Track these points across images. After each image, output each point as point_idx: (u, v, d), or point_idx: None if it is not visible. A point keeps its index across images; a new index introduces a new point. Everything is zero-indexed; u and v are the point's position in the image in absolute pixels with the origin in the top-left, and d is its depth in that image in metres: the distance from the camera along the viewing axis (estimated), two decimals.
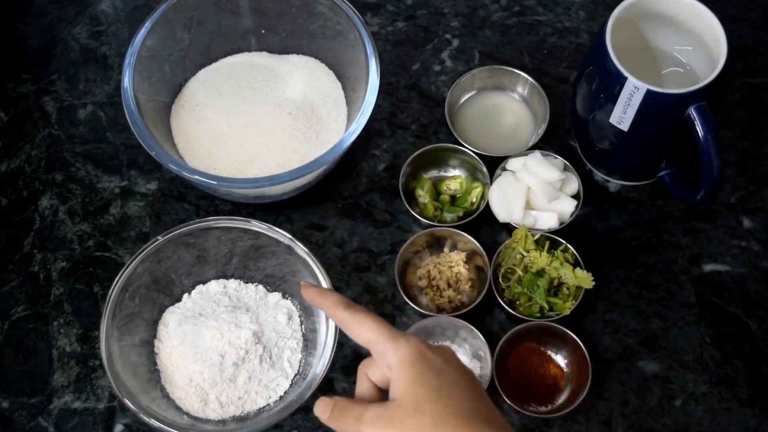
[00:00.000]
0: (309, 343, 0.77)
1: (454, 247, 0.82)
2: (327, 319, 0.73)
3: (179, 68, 0.87)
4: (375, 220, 0.85)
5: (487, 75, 0.89)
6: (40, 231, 0.85)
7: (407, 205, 0.82)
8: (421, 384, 0.55)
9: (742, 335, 0.80)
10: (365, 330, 0.58)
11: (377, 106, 0.79)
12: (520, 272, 0.78)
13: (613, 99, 0.74)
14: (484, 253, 0.79)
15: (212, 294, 0.79)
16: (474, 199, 0.83)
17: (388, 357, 0.56)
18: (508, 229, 0.82)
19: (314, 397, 0.75)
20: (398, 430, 0.54)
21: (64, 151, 0.89)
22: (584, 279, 0.77)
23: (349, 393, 0.77)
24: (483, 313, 0.80)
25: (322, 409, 0.59)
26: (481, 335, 0.76)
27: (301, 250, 0.75)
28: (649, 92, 0.71)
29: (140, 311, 0.76)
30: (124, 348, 0.73)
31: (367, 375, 0.59)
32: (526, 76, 0.88)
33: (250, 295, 0.79)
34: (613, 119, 0.75)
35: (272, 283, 0.80)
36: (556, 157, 0.83)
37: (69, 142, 0.90)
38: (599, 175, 0.87)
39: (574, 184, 0.82)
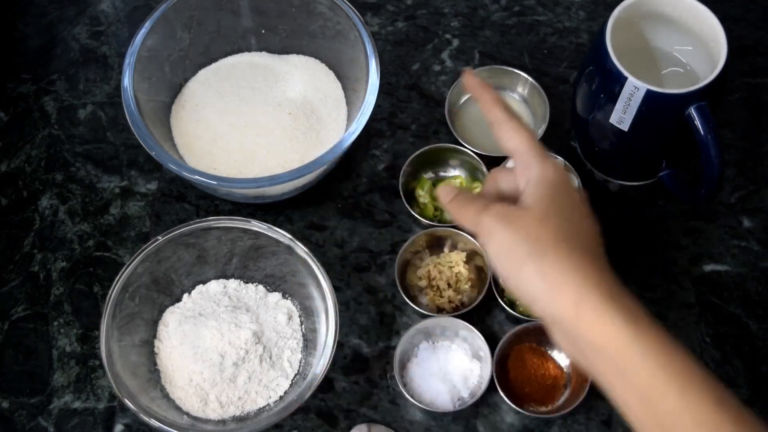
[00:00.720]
0: (309, 343, 0.77)
1: (454, 247, 0.82)
2: (327, 318, 0.73)
3: (179, 68, 0.87)
4: (375, 220, 0.85)
5: (487, 75, 0.89)
6: (40, 231, 0.85)
7: (407, 205, 0.82)
8: (556, 203, 0.54)
9: (742, 335, 0.80)
10: (519, 137, 0.57)
11: (377, 106, 0.79)
12: None
13: (613, 99, 0.74)
14: (484, 253, 0.79)
15: (212, 294, 0.79)
16: None
17: (531, 170, 0.56)
18: None
19: (314, 397, 0.75)
20: (518, 230, 0.53)
21: (64, 151, 0.89)
22: None
23: (348, 393, 0.77)
24: (483, 313, 0.80)
25: (446, 193, 0.59)
26: (481, 335, 0.76)
27: (301, 250, 0.75)
28: (649, 92, 0.71)
29: (140, 311, 0.76)
30: (124, 348, 0.73)
31: (497, 179, 0.59)
32: (525, 76, 0.88)
33: (250, 295, 0.79)
34: (613, 119, 0.75)
35: (272, 283, 0.80)
36: (556, 157, 0.83)
37: (69, 142, 0.90)
38: (599, 175, 0.87)
39: (574, 184, 0.82)
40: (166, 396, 0.74)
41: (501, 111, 0.58)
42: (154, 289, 0.77)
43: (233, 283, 0.80)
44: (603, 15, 0.95)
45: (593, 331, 0.51)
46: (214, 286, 0.80)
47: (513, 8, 0.97)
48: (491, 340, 0.76)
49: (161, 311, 0.78)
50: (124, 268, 0.74)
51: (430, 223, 0.81)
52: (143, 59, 0.81)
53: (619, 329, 0.50)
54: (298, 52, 0.91)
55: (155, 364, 0.76)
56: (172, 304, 0.79)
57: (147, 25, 0.82)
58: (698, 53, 0.77)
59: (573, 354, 0.54)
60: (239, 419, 0.74)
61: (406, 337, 0.76)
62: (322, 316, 0.74)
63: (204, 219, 0.76)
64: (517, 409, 0.73)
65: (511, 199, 0.58)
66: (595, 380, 0.53)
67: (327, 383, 0.77)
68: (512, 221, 0.54)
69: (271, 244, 0.77)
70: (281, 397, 0.75)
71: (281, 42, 0.90)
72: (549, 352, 0.78)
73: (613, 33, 0.74)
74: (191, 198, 0.86)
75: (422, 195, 0.84)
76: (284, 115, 0.85)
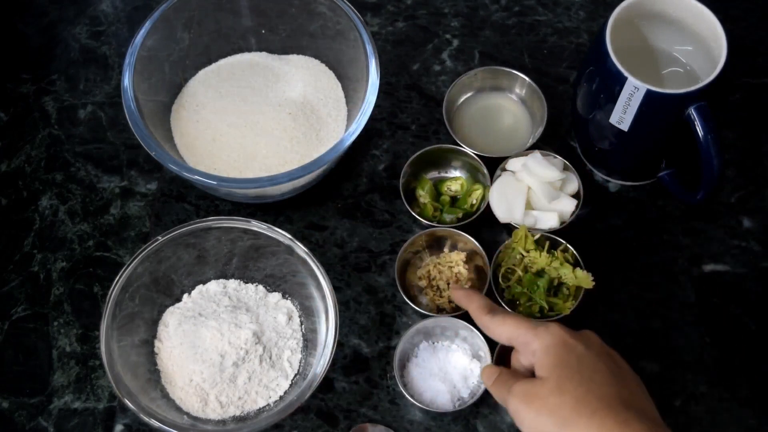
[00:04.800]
0: (309, 343, 0.77)
1: (454, 247, 0.82)
2: (327, 318, 0.73)
3: (179, 68, 0.88)
4: (375, 220, 0.85)
5: (487, 75, 0.89)
6: (40, 231, 0.85)
7: (407, 206, 0.82)
8: (564, 367, 0.60)
9: (742, 335, 0.80)
10: (506, 329, 0.65)
11: (377, 106, 0.79)
12: (520, 272, 0.78)
13: (613, 99, 0.74)
14: (484, 253, 0.79)
15: (212, 294, 0.79)
16: (474, 201, 0.83)
17: (531, 345, 0.62)
18: (508, 229, 0.82)
19: (314, 397, 0.75)
20: (540, 409, 0.59)
21: (64, 151, 0.89)
22: (584, 279, 0.77)
23: (348, 393, 0.77)
24: None
25: (488, 376, 0.67)
26: (481, 335, 0.76)
27: (301, 250, 0.75)
28: (649, 92, 0.72)
29: (140, 311, 0.76)
30: (124, 348, 0.73)
31: (518, 358, 0.65)
32: (524, 77, 0.88)
33: (250, 295, 0.79)
34: (613, 119, 0.75)
35: (272, 283, 0.80)
36: (555, 157, 0.83)
37: (69, 142, 0.90)
38: (599, 175, 0.87)
39: (574, 184, 0.82)
40: (166, 396, 0.74)
41: (485, 314, 0.67)
42: (154, 289, 0.77)
43: (233, 283, 0.80)
44: (603, 15, 0.96)
45: None
46: (214, 286, 0.80)
47: (513, 8, 0.97)
48: (491, 340, 0.76)
49: (161, 311, 0.78)
50: (124, 268, 0.74)
51: (430, 223, 0.81)
52: (143, 59, 0.81)
53: None
54: (298, 52, 0.91)
55: (155, 364, 0.76)
56: (172, 304, 0.79)
57: (147, 25, 0.82)
58: (698, 53, 0.77)
59: None
60: (239, 419, 0.74)
61: (406, 337, 0.76)
62: (322, 316, 0.74)
63: (204, 219, 0.76)
64: None
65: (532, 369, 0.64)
66: None
67: (327, 383, 0.77)
68: (532, 399, 0.60)
69: (271, 244, 0.77)
70: (281, 397, 0.75)
71: (281, 42, 0.90)
72: None
73: (613, 33, 0.74)
74: (191, 198, 0.86)
75: (422, 195, 0.84)
76: (284, 115, 0.85)
